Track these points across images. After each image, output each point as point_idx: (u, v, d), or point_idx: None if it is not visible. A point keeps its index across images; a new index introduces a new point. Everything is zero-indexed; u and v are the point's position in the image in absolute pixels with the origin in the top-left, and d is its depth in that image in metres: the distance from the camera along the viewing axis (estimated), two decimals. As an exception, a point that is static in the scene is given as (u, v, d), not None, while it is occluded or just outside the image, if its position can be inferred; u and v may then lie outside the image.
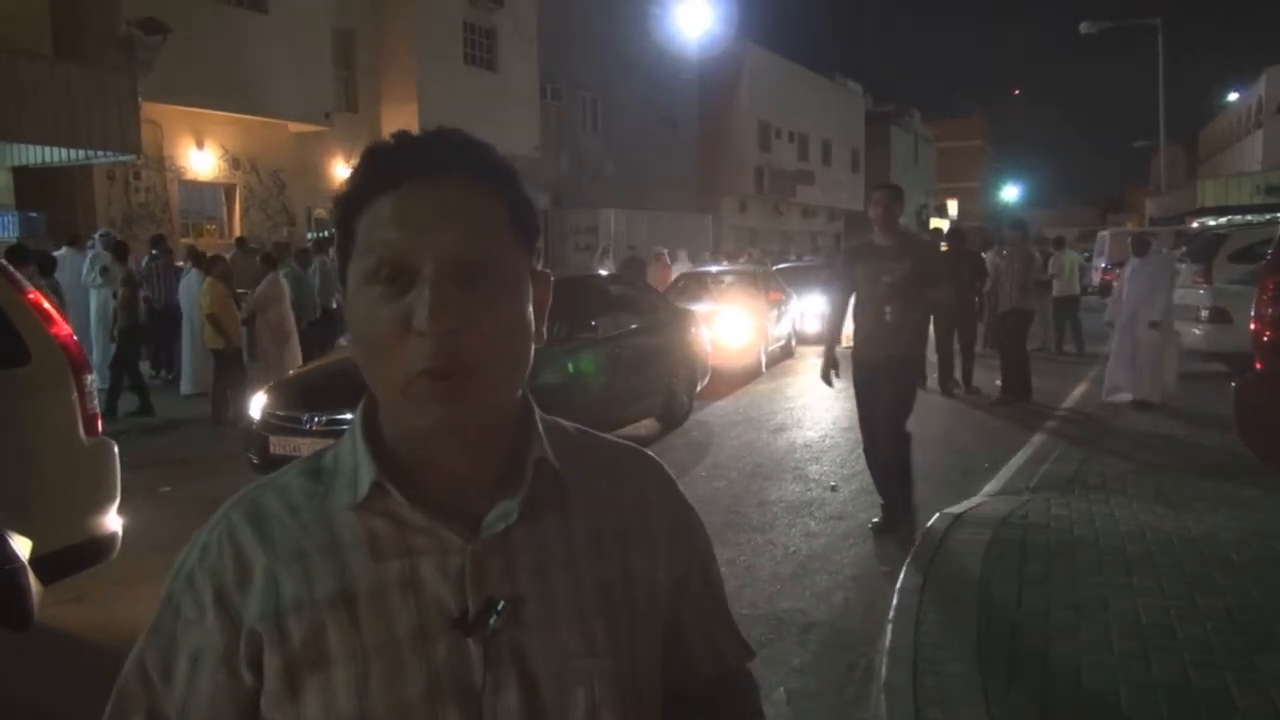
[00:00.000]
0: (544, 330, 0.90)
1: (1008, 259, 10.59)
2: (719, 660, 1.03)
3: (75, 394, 4.06)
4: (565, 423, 0.98)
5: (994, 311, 11.23)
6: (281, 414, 6.28)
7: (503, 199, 0.85)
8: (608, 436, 1.02)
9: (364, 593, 0.84)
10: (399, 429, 0.87)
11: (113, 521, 4.18)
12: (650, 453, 1.03)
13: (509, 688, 0.83)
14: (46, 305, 4.15)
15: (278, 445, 6.15)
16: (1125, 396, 9.44)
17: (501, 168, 0.86)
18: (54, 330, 4.05)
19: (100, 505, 4.13)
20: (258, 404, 6.54)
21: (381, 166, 0.83)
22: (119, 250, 10.94)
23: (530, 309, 0.87)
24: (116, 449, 4.28)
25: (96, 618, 4.55)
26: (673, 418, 9.10)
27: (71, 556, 4.01)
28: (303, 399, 6.35)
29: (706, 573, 1.02)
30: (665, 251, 18.30)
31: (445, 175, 0.82)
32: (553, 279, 0.93)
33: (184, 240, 15.57)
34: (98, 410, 4.23)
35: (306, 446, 5.95)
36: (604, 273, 13.38)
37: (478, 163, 0.85)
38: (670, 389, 9.04)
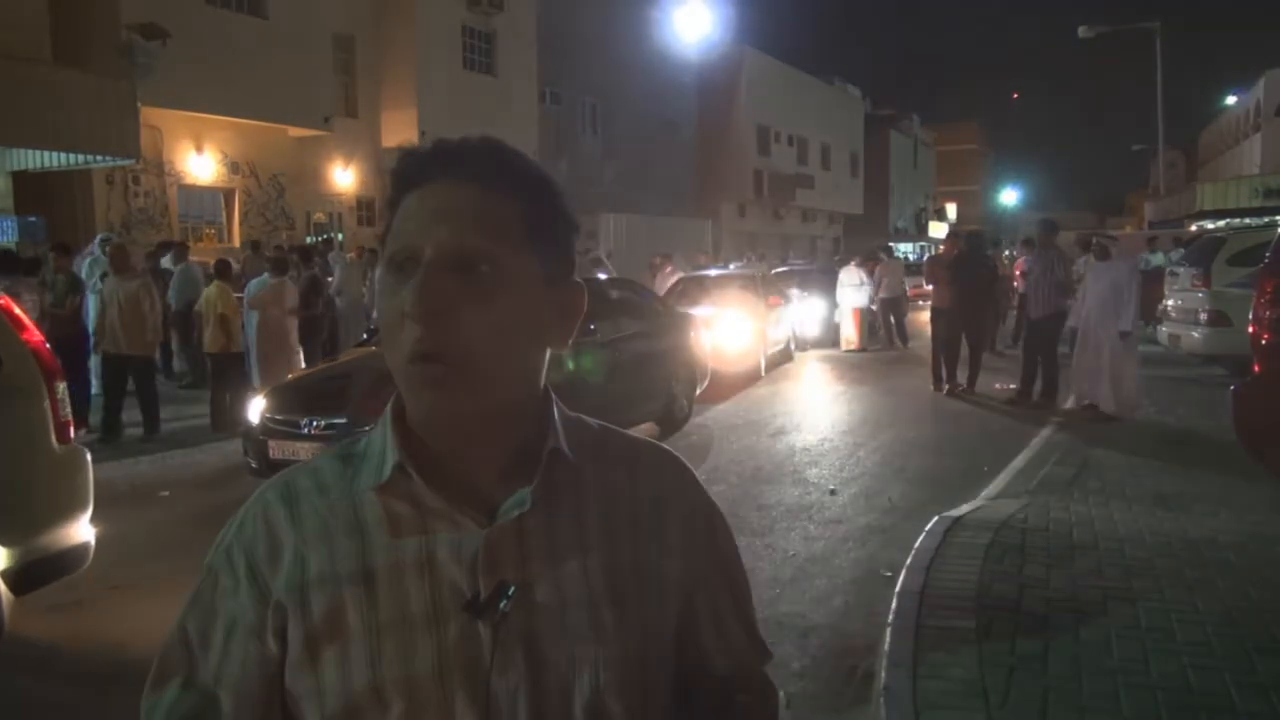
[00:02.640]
0: (569, 339, 0.94)
1: (1041, 262, 10.19)
2: (734, 659, 1.04)
3: (47, 401, 3.98)
4: (588, 419, 1.01)
5: (1024, 315, 10.89)
6: (280, 418, 6.28)
7: (521, 204, 0.88)
8: (629, 433, 1.05)
9: (382, 571, 0.88)
10: (412, 415, 0.91)
11: (84, 531, 4.10)
12: (670, 449, 1.04)
13: (516, 669, 0.87)
14: (17, 311, 4.07)
15: (277, 449, 6.14)
16: (1085, 401, 9.07)
17: (526, 175, 0.91)
18: (25, 336, 3.98)
19: (72, 514, 4.04)
20: (256, 408, 6.54)
21: (412, 168, 0.89)
22: (61, 252, 10.39)
23: (536, 314, 0.89)
24: (89, 457, 4.20)
25: (96, 622, 4.54)
26: (672, 421, 9.09)
27: (43, 567, 3.92)
28: (302, 403, 6.35)
29: (725, 570, 1.03)
30: (598, 252, 18.29)
31: (461, 177, 0.87)
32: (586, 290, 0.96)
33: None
34: (70, 418, 4.15)
35: (305, 451, 5.94)
36: (603, 276, 13.38)
37: (496, 168, 0.89)
38: (670, 393, 9.04)
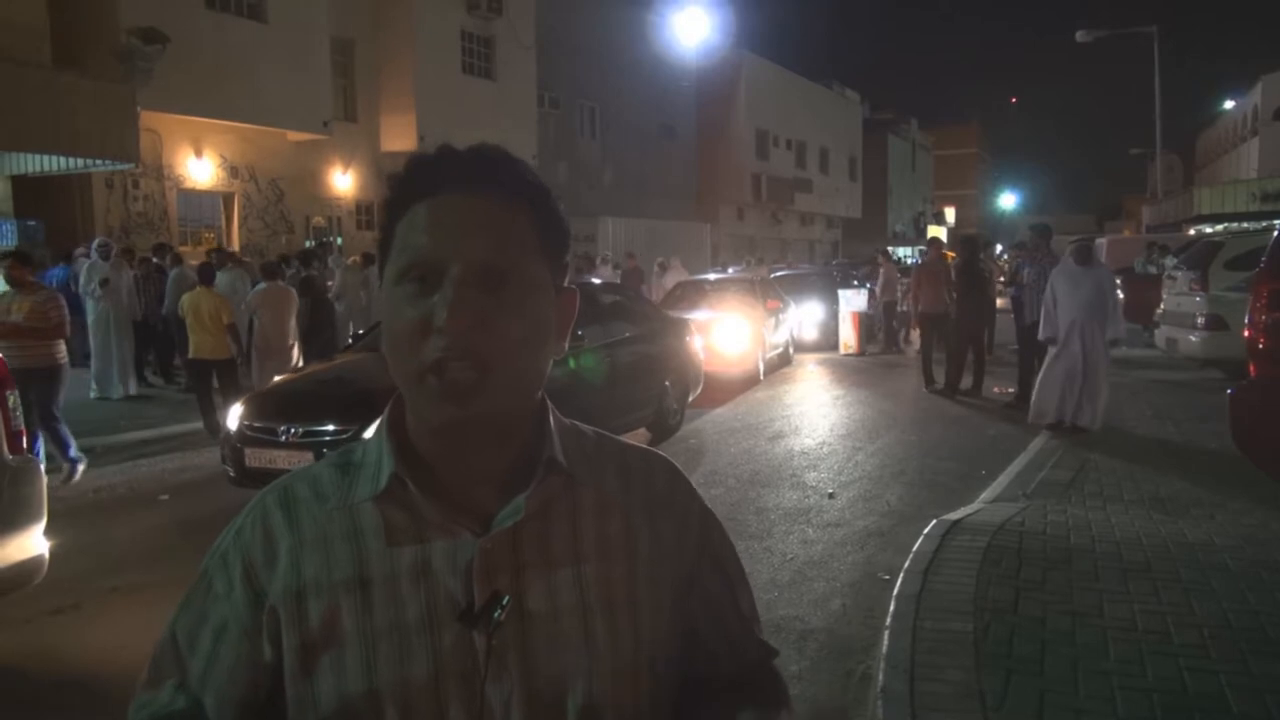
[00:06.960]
0: (565, 344, 0.95)
1: (1034, 268, 9.95)
2: (738, 657, 1.05)
3: None
4: (584, 426, 1.02)
5: (1020, 320, 10.59)
6: (258, 425, 6.03)
7: (532, 214, 0.90)
8: (623, 440, 1.05)
9: (378, 579, 0.89)
10: (418, 424, 0.92)
11: (37, 543, 4.02)
12: (664, 454, 1.05)
13: (509, 679, 0.87)
14: None
15: (253, 458, 5.93)
16: (1053, 419, 8.50)
17: (534, 185, 0.92)
18: None
19: (23, 527, 3.96)
20: (234, 415, 6.29)
21: (421, 175, 0.90)
22: None
23: (550, 320, 0.91)
24: (43, 467, 4.13)
25: (95, 623, 4.54)
26: (664, 428, 8.99)
27: None
28: (279, 410, 6.11)
29: (722, 572, 1.04)
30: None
31: (478, 187, 0.88)
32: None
33: (182, 248, 15.54)
34: (21, 427, 4.08)
35: (283, 459, 5.78)
36: (597, 280, 13.34)
37: (511, 178, 0.90)
38: (661, 399, 8.91)
